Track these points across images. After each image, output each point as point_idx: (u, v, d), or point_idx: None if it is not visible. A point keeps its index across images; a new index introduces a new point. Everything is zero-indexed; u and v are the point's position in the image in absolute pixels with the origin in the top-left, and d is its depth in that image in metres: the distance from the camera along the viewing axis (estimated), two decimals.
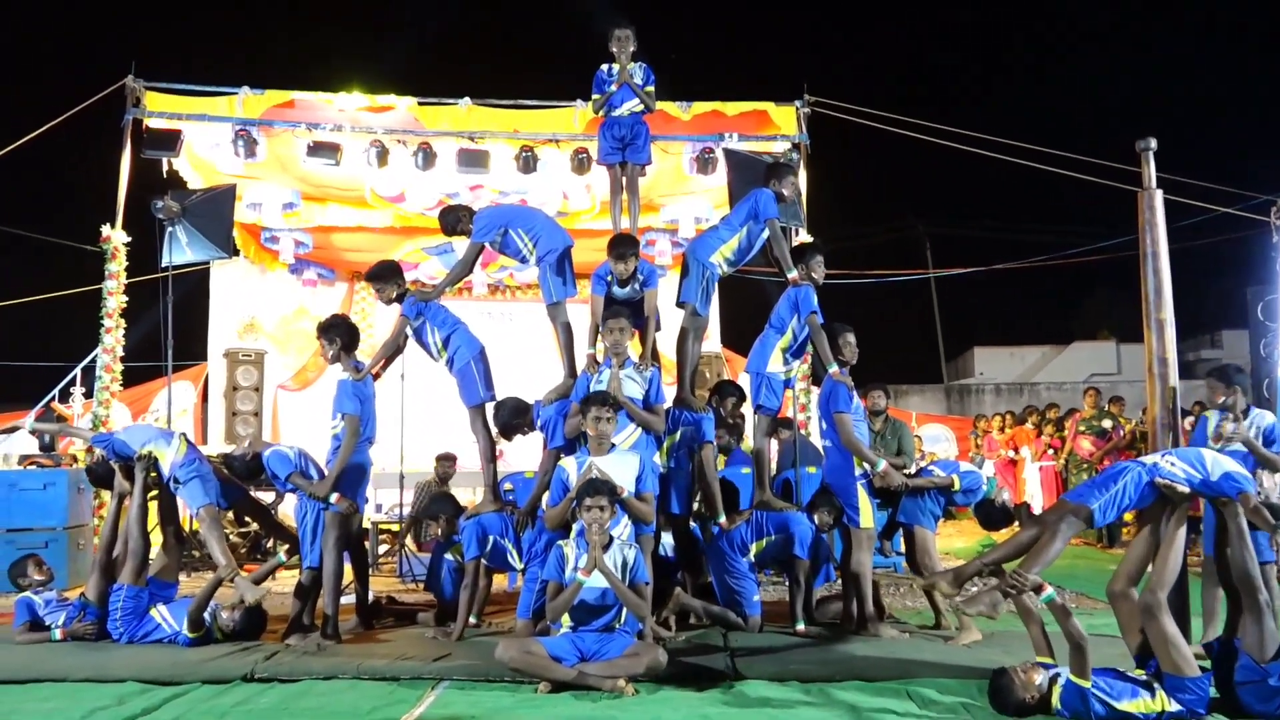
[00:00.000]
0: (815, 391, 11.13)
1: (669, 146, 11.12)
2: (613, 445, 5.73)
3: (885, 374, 18.77)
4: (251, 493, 7.16)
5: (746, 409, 7.26)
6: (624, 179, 7.47)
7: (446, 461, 10.49)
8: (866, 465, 6.32)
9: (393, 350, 6.88)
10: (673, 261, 13.64)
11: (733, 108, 11.24)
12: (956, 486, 6.48)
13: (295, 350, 14.68)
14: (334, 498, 6.39)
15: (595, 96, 7.45)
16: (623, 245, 6.45)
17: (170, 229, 10.13)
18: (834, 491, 6.40)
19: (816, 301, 6.47)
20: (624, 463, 5.64)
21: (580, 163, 10.91)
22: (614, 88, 7.34)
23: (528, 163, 10.92)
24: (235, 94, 10.65)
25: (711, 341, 14.78)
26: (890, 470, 6.35)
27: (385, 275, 6.82)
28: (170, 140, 10.45)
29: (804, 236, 10.63)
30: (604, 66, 7.43)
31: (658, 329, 6.57)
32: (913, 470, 6.97)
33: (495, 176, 11.30)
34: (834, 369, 6.37)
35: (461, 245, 7.18)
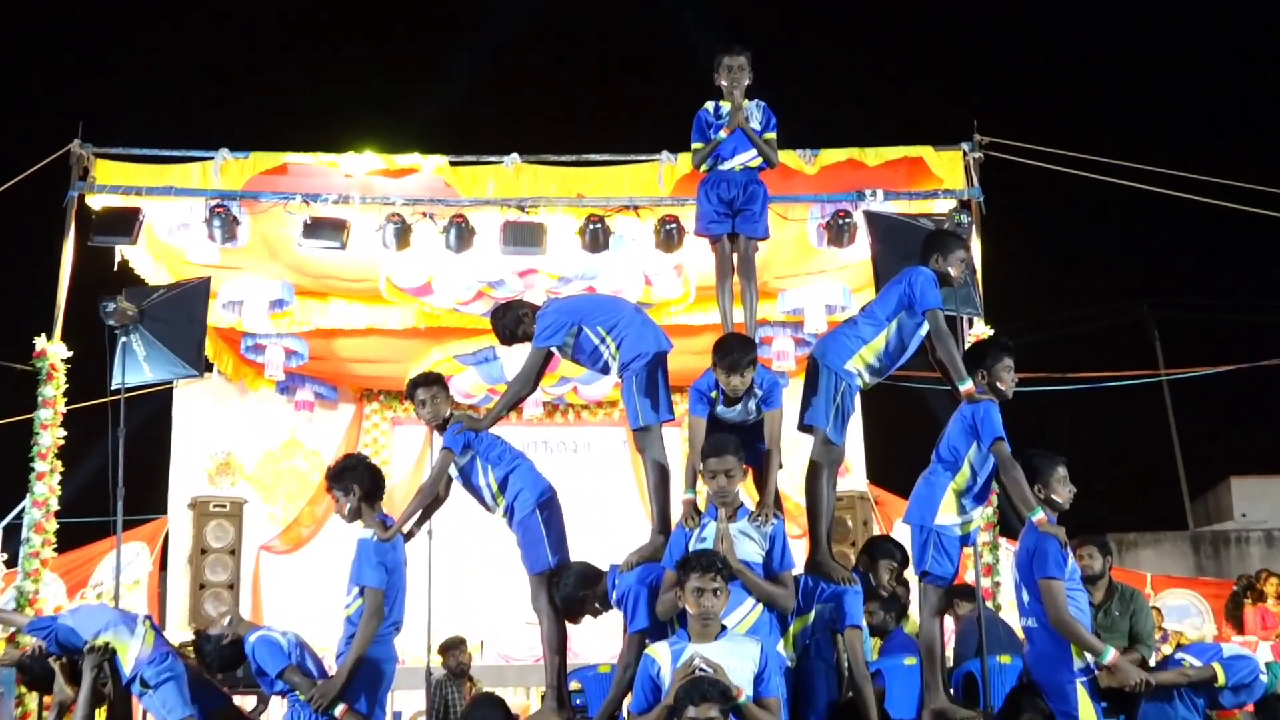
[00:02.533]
0: (1008, 549, 10.87)
1: (789, 210, 11.27)
2: (723, 628, 5.65)
3: (1106, 520, 18.30)
4: (233, 699, 7.24)
5: (909, 574, 7.12)
6: (734, 256, 7.53)
7: (455, 650, 10.50)
8: (1088, 654, 6.14)
9: (431, 498, 6.97)
10: (796, 367, 13.66)
11: (875, 155, 11.41)
12: (1221, 681, 6.26)
13: (284, 497, 14.98)
14: (339, 710, 6.40)
15: (695, 146, 7.52)
16: (734, 349, 6.46)
17: (124, 339, 10.34)
18: (1041, 692, 6.22)
19: (1002, 422, 6.40)
20: (739, 653, 5.54)
21: (669, 236, 11.08)
22: (722, 134, 7.42)
23: (596, 238, 11.13)
24: (210, 159, 11.13)
25: (853, 478, 14.66)
26: (1122, 661, 6.14)
27: (434, 383, 7.04)
28: (126, 222, 10.86)
29: (980, 329, 10.58)
30: (707, 105, 7.54)
31: (779, 465, 6.55)
32: (1154, 660, 6.74)
33: (553, 258, 11.56)
34: (1037, 516, 6.23)
35: (511, 353, 7.31)
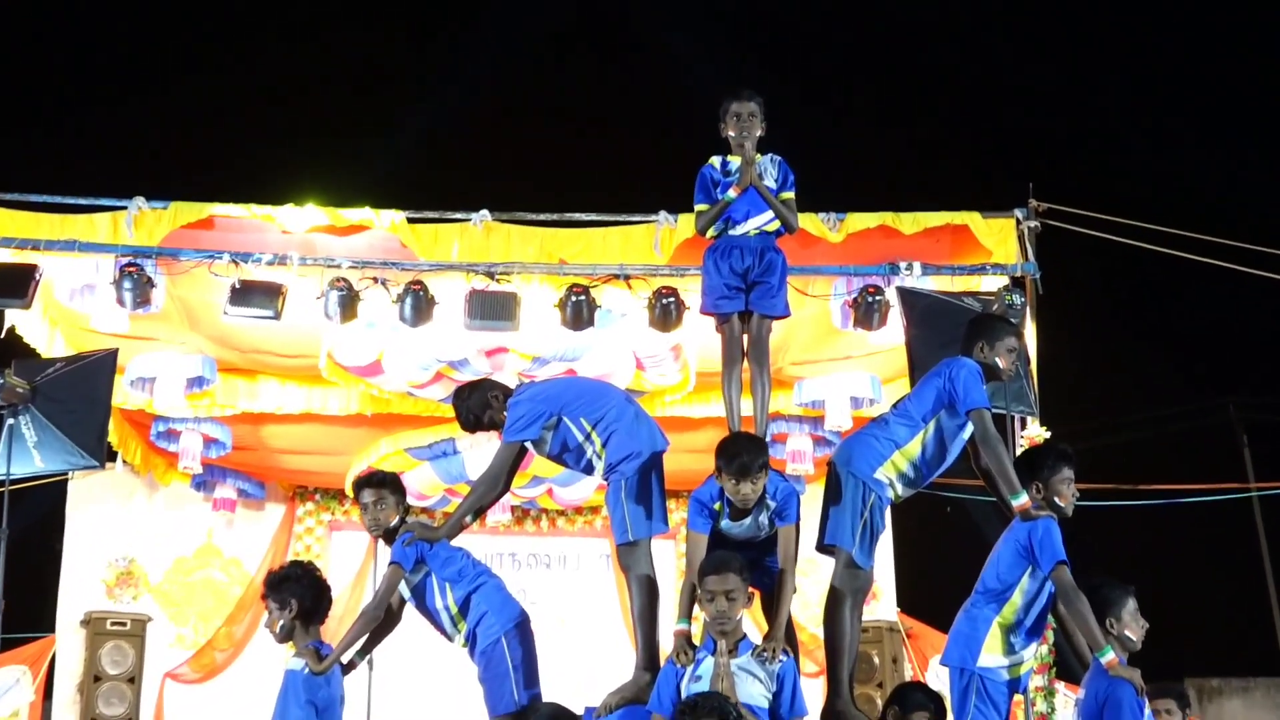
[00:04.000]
0: (1066, 698, 10.77)
1: (810, 284, 11.32)
2: None
3: (1184, 663, 18.14)
4: None
5: None
6: (745, 338, 7.51)
7: None
8: None
9: (375, 622, 6.91)
10: (814, 472, 13.62)
11: (912, 221, 11.49)
12: None
13: (196, 615, 14.87)
14: None
15: (700, 207, 7.47)
16: (744, 451, 6.42)
17: (10, 420, 10.37)
18: None
19: (1062, 542, 6.38)
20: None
21: (666, 311, 11.09)
22: (732, 193, 7.38)
23: (580, 312, 11.13)
24: (123, 208, 11.16)
25: (882, 605, 14.59)
26: None
27: (384, 483, 7.03)
28: (19, 280, 10.79)
29: (1035, 431, 10.60)
30: (713, 161, 7.53)
31: (794, 590, 6.51)
32: None
33: (528, 334, 11.58)
34: (1108, 657, 6.19)
35: (474, 448, 7.32)
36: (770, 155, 7.54)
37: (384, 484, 7.09)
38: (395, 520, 6.99)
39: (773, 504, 6.54)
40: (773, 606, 6.46)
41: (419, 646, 13.37)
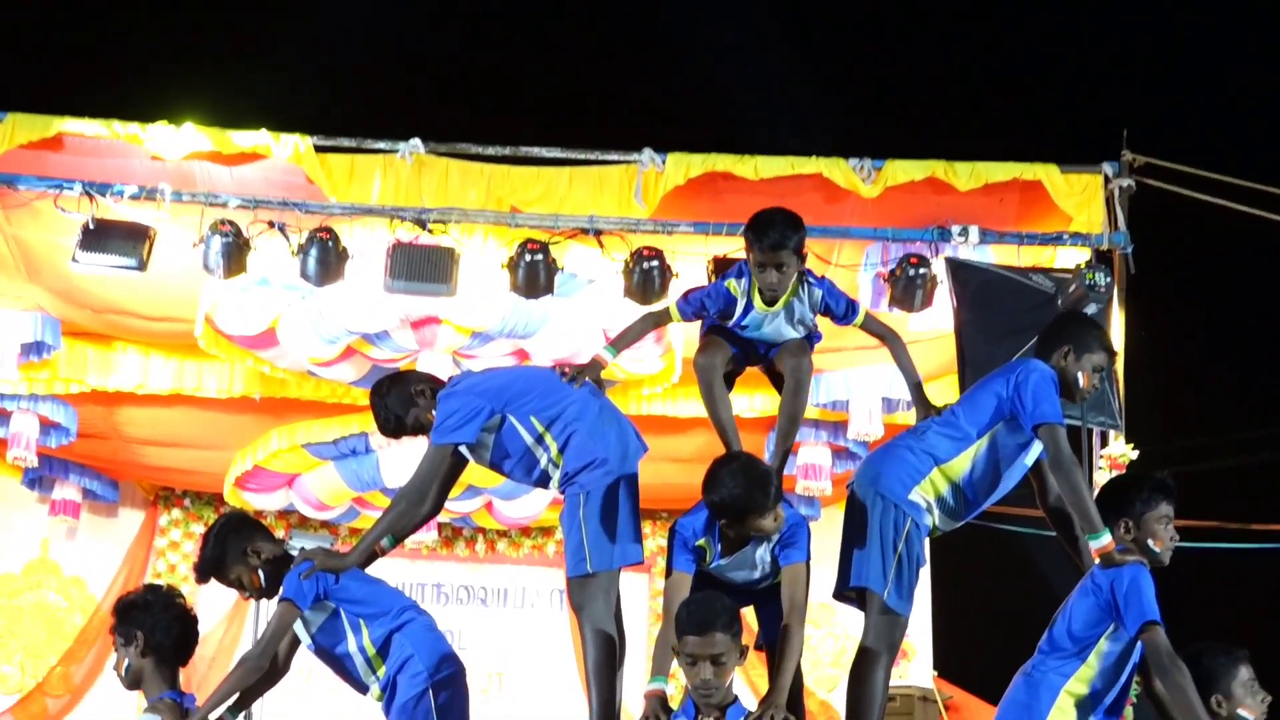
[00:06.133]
0: None
1: (836, 250, 11.39)
2: None
3: None
4: None
5: None
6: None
7: None
8: None
9: (257, 674, 6.87)
10: (832, 492, 13.62)
11: (970, 174, 11.47)
12: None
13: (24, 650, 14.84)
14: None
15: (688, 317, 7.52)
16: (753, 484, 6.45)
17: None
18: None
19: (1155, 597, 6.38)
20: None
21: (647, 278, 11.11)
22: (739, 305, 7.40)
23: (535, 275, 11.12)
24: None
25: (914, 667, 14.61)
26: None
27: (214, 565, 6.90)
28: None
29: (1118, 449, 10.62)
30: (733, 289, 7.40)
31: (801, 644, 6.50)
32: None
33: (467, 302, 11.62)
34: None
35: (397, 445, 7.30)
36: (819, 282, 7.37)
37: (213, 570, 6.91)
38: (260, 576, 6.91)
39: (779, 538, 6.54)
40: (775, 665, 6.45)
41: (315, 696, 13.53)
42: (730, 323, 7.05)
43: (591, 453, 6.83)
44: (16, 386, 12.96)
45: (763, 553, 6.60)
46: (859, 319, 7.16)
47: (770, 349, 7.12)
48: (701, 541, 6.58)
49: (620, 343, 7.34)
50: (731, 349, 7.10)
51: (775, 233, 6.85)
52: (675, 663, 6.37)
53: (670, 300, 7.55)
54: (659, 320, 7.46)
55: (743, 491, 6.37)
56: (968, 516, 6.98)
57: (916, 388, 7.15)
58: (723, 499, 6.42)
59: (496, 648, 15.14)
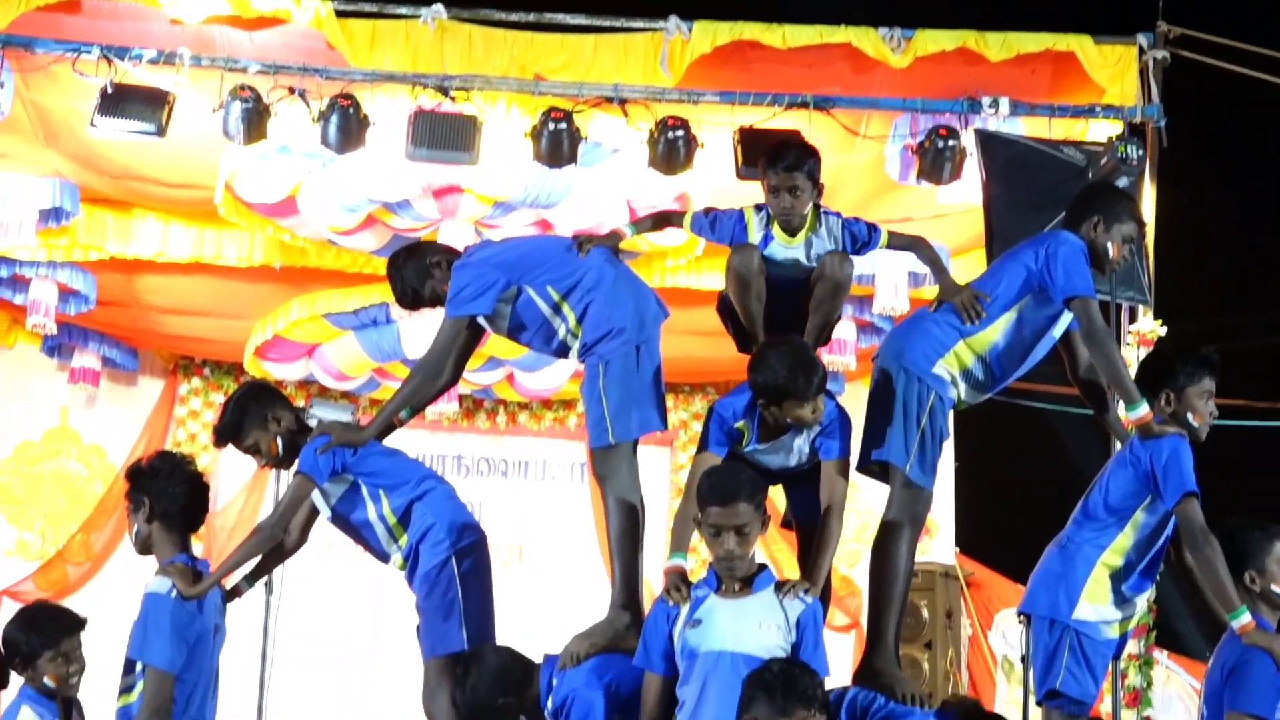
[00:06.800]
0: (1170, 672, 10.84)
1: (864, 122, 11.31)
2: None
3: None
4: None
5: (1008, 693, 7.10)
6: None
7: None
8: None
9: (271, 541, 6.93)
10: (856, 367, 13.62)
11: (1001, 44, 11.35)
12: None
13: (44, 517, 14.96)
14: None
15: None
16: (797, 369, 6.41)
17: None
18: None
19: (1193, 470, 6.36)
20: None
21: (672, 148, 11.04)
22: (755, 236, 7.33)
23: (558, 143, 11.05)
24: None
25: (935, 543, 14.64)
26: None
27: (234, 428, 6.95)
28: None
29: (1147, 325, 10.61)
30: (748, 214, 7.36)
31: (839, 536, 6.56)
32: None
33: (490, 171, 11.54)
34: (1242, 621, 6.21)
35: (419, 316, 7.29)
36: (829, 214, 7.29)
37: (232, 433, 6.93)
38: (279, 444, 6.93)
39: (820, 425, 6.54)
40: (811, 554, 6.49)
41: (336, 567, 13.62)
42: None
43: (609, 322, 6.83)
44: (35, 253, 12.94)
45: (801, 442, 6.62)
46: (883, 239, 7.11)
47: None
48: (740, 424, 6.61)
49: (641, 225, 7.46)
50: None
51: (789, 156, 6.88)
52: (696, 537, 6.40)
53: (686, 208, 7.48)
54: (672, 220, 7.52)
55: (786, 374, 6.36)
56: (995, 389, 6.98)
57: (944, 288, 7.08)
58: (765, 380, 6.42)
59: (517, 520, 15.19)
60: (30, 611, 7.18)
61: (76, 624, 7.07)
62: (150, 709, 6.47)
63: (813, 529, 6.63)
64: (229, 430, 6.98)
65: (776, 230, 6.93)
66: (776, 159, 6.91)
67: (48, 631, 6.95)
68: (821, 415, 6.54)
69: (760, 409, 6.55)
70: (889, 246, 7.26)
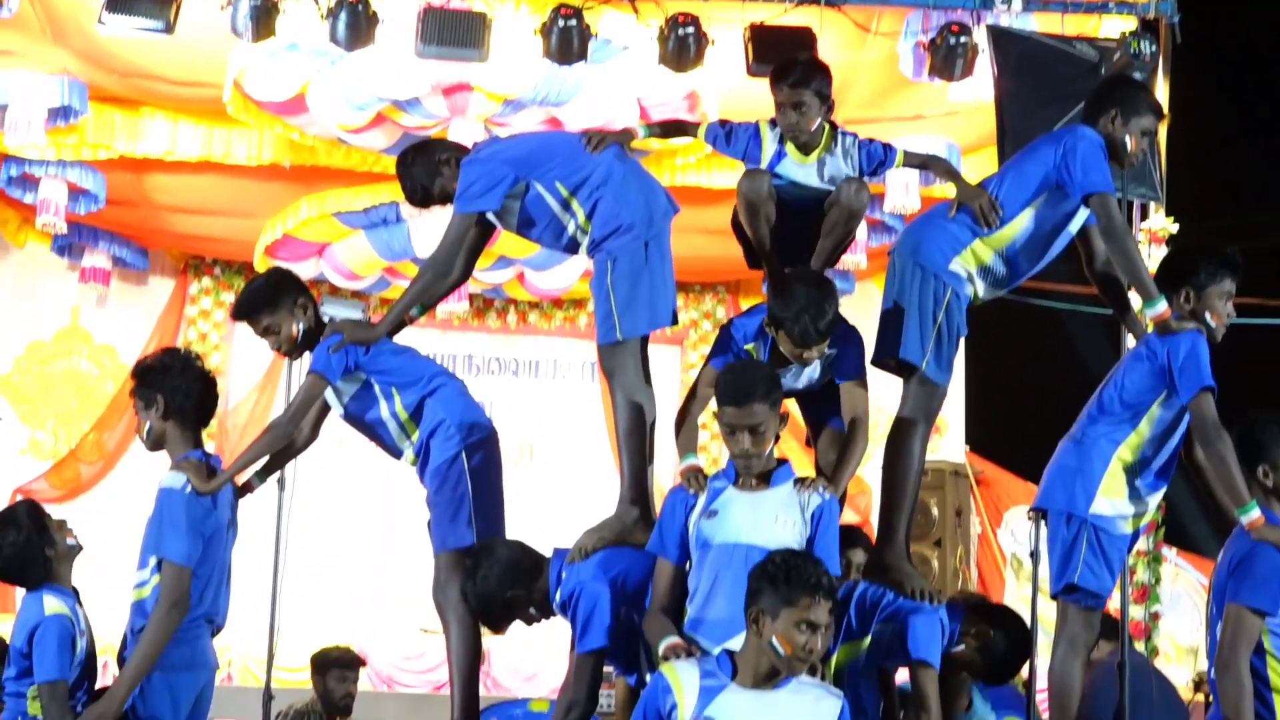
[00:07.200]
0: (1178, 569, 10.90)
1: (875, 17, 11.24)
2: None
3: None
4: None
5: (1016, 590, 7.15)
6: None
7: (343, 672, 10.50)
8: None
9: (284, 440, 6.97)
10: (867, 266, 13.63)
11: None
12: None
13: (56, 416, 15.09)
14: None
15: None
16: (812, 318, 6.34)
17: None
18: None
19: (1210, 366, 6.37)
20: (811, 709, 5.64)
21: (682, 45, 10.96)
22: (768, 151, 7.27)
23: (568, 40, 11.00)
24: None
25: (945, 441, 14.71)
26: None
27: (263, 302, 6.93)
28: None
29: (1158, 223, 10.58)
30: (763, 127, 7.31)
31: (864, 449, 6.57)
32: None
33: (500, 68, 11.55)
34: (1251, 516, 6.23)
35: (428, 215, 7.30)
36: (845, 135, 7.25)
37: (259, 306, 6.94)
38: (299, 329, 6.94)
39: (832, 351, 6.57)
40: (834, 466, 6.51)
41: (344, 464, 13.70)
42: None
43: (618, 218, 6.82)
44: (44, 152, 12.98)
45: (811, 369, 6.64)
46: (899, 158, 7.08)
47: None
48: (751, 346, 6.60)
49: (654, 129, 7.39)
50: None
51: (795, 72, 6.81)
52: (705, 436, 6.43)
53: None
54: (686, 129, 7.44)
55: (795, 319, 6.32)
56: (1013, 284, 6.96)
57: (961, 193, 7.08)
58: (777, 315, 6.42)
59: (527, 419, 15.29)
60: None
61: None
62: (168, 602, 6.51)
63: (826, 444, 6.72)
64: (258, 303, 6.94)
65: (790, 147, 6.89)
66: (783, 75, 6.86)
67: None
68: (806, 124, 6.71)
69: (772, 335, 6.60)
70: (905, 165, 7.25)
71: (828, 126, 6.91)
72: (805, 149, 6.85)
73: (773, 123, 6.92)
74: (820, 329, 6.35)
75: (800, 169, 6.86)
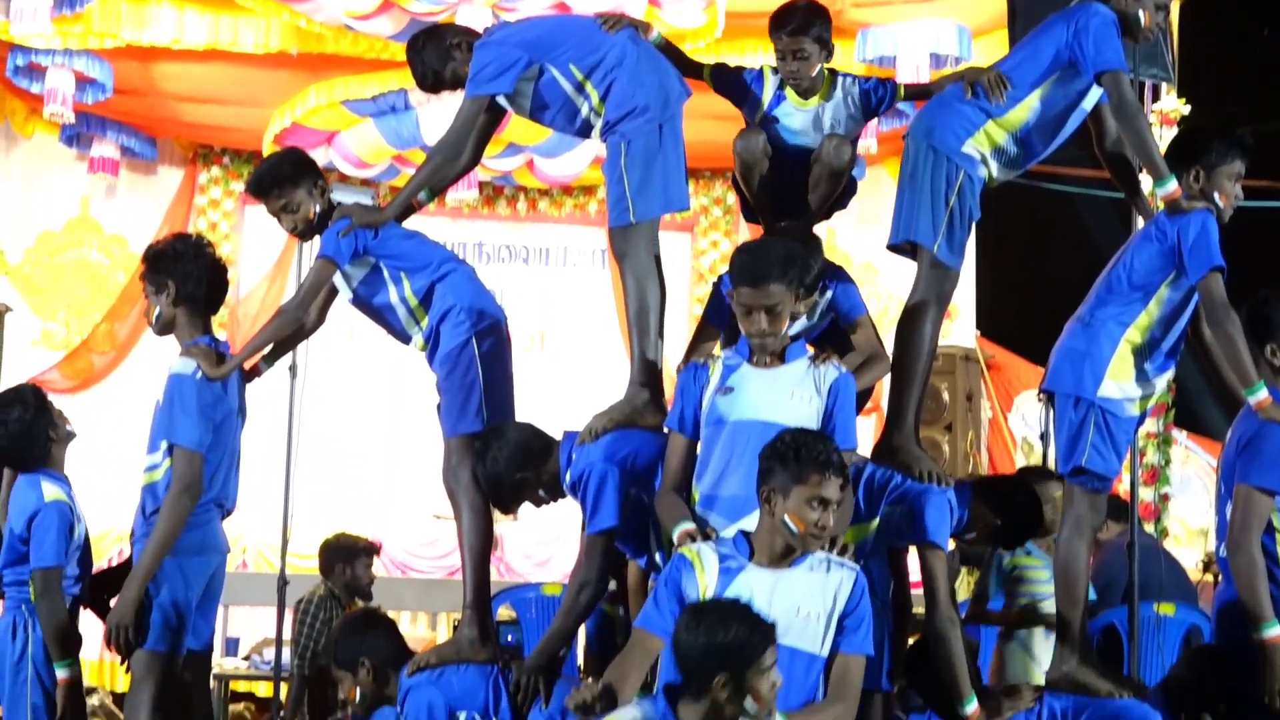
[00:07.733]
0: (1188, 451, 10.95)
1: None
2: (801, 557, 5.71)
3: None
4: None
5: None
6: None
7: (360, 558, 10.60)
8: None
9: (293, 325, 7.02)
10: (877, 150, 13.61)
11: None
12: None
13: (67, 307, 15.12)
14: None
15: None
16: (795, 279, 6.10)
17: None
18: (1227, 667, 6.39)
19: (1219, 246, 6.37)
20: (810, 584, 5.66)
21: None
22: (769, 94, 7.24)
23: None
24: None
25: (956, 326, 14.66)
26: None
27: (283, 178, 6.94)
28: None
29: (1170, 104, 10.55)
30: (767, 73, 7.29)
31: (886, 370, 6.74)
32: None
33: None
34: (1258, 396, 6.26)
35: (435, 104, 7.28)
36: (846, 78, 7.17)
37: (279, 182, 6.93)
38: (316, 210, 6.94)
39: (830, 294, 6.71)
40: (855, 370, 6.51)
41: (354, 350, 13.74)
42: (757, 115, 7.05)
43: (632, 100, 6.81)
44: (50, 41, 12.89)
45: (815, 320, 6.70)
46: (899, 93, 7.17)
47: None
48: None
49: (664, 47, 7.27)
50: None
51: (794, 20, 6.86)
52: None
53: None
54: (693, 70, 7.33)
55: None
56: (1028, 164, 6.98)
57: (969, 72, 7.10)
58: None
59: (538, 307, 15.27)
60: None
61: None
62: (180, 487, 6.56)
63: None
64: (281, 178, 6.96)
65: (790, 92, 6.95)
66: (782, 23, 6.89)
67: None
68: (804, 75, 6.86)
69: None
70: (906, 99, 7.37)
71: (828, 72, 6.96)
72: (805, 94, 6.93)
73: (774, 68, 7.04)
74: (806, 284, 6.33)
75: (799, 113, 6.95)
